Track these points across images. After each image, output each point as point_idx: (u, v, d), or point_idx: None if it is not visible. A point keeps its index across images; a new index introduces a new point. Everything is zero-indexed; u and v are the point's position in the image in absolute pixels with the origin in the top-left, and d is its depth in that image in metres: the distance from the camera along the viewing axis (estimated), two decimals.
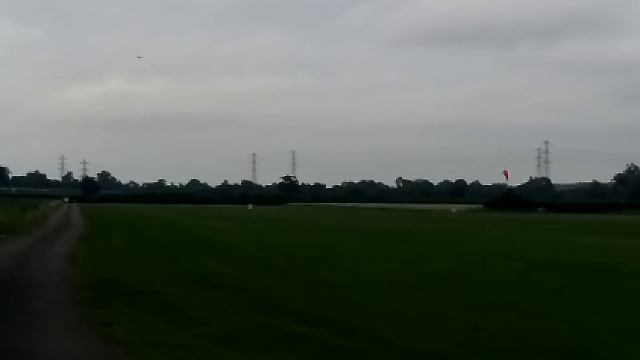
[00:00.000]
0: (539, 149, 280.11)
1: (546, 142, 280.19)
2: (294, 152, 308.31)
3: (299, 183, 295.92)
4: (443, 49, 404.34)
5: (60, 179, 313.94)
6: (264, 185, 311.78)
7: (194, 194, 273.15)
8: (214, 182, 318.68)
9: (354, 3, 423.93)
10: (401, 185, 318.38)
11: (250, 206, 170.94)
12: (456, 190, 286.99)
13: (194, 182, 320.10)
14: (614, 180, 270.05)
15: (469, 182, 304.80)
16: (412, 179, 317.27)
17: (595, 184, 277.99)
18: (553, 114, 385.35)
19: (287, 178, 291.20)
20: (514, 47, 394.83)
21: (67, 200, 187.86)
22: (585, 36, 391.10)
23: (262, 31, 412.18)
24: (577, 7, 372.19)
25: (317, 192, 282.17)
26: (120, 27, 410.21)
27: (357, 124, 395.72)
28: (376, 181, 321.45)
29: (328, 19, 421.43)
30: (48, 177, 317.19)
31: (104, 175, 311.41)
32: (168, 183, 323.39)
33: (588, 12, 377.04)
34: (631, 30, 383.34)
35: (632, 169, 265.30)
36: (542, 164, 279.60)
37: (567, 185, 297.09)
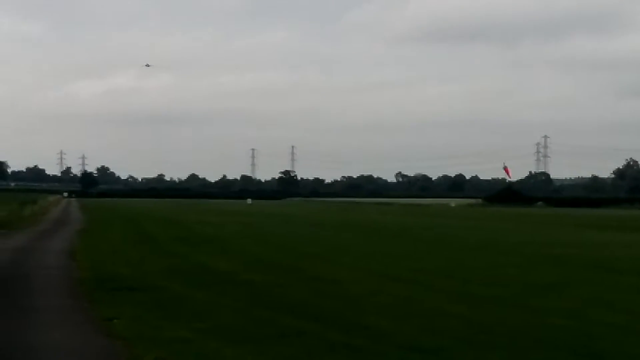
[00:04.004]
0: (538, 144, 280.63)
1: (545, 137, 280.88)
2: (293, 147, 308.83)
3: (298, 178, 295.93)
4: (446, 46, 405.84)
5: (59, 174, 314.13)
6: (263, 180, 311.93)
7: (193, 188, 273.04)
8: (213, 177, 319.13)
9: (358, 1, 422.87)
10: (400, 179, 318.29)
11: (249, 201, 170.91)
12: (455, 185, 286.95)
13: (193, 177, 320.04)
14: (613, 175, 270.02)
15: (468, 176, 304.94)
16: (411, 174, 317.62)
17: (594, 178, 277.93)
18: (552, 109, 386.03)
19: (286, 173, 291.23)
20: (515, 44, 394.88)
21: (66, 195, 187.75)
22: (585, 32, 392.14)
23: (267, 29, 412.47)
24: (578, 3, 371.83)
25: (316, 187, 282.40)
26: (124, 23, 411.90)
27: (357, 119, 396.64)
28: (375, 176, 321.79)
29: (333, 17, 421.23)
30: (47, 172, 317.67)
31: (103, 170, 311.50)
32: (167, 178, 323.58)
33: (589, 8, 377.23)
34: (632, 26, 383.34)
35: (631, 163, 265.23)
36: (541, 158, 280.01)
37: (566, 179, 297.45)
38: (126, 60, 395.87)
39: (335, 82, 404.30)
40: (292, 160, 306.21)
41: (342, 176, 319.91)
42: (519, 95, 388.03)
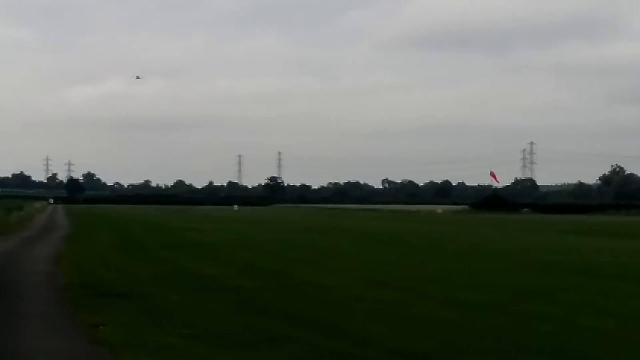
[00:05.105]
0: (524, 150, 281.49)
1: (531, 143, 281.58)
2: (279, 153, 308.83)
3: (285, 184, 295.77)
4: (434, 52, 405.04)
5: (45, 180, 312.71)
6: (249, 187, 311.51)
7: (180, 195, 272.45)
8: (199, 183, 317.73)
9: (350, 6, 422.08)
10: (387, 186, 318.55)
11: (235, 207, 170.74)
12: (442, 191, 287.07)
13: (180, 183, 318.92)
14: (598, 181, 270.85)
15: (454, 183, 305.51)
16: (398, 180, 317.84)
17: (580, 184, 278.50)
18: (538, 115, 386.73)
19: (272, 179, 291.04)
20: (506, 50, 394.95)
21: (52, 201, 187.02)
22: (574, 39, 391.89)
23: (260, 34, 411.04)
24: (567, 10, 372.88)
25: (302, 193, 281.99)
26: (112, 29, 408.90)
27: (344, 125, 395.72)
28: (362, 182, 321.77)
29: (324, 23, 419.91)
30: (33, 179, 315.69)
31: (89, 176, 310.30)
32: (153, 184, 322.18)
33: (577, 14, 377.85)
34: (620, 33, 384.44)
35: (616, 169, 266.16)
36: (527, 165, 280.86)
37: (552, 186, 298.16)
38: (113, 67, 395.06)
39: (323, 87, 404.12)
40: (279, 166, 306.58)
41: (329, 182, 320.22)
42: (505, 101, 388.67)
